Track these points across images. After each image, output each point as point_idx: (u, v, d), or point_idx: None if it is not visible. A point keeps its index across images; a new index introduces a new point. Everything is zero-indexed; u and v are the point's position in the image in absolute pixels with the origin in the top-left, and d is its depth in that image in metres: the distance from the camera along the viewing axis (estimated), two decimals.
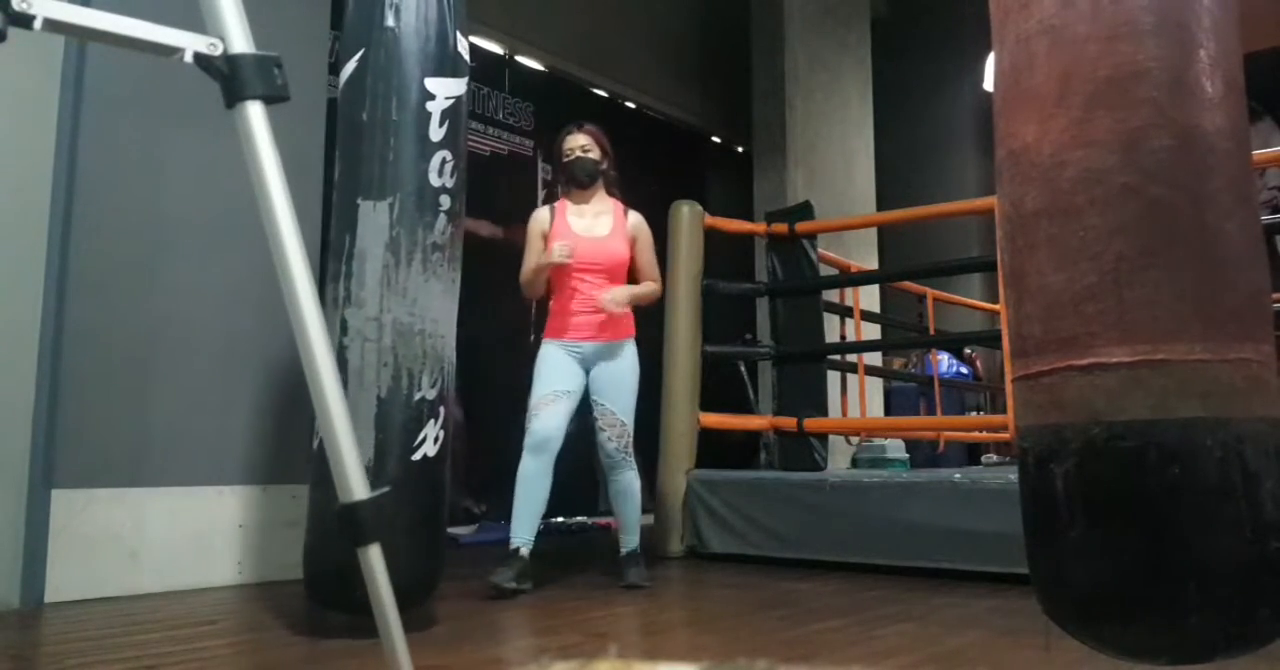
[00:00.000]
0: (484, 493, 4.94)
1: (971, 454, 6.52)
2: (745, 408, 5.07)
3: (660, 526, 4.01)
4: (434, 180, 2.31)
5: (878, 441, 4.65)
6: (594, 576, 3.31)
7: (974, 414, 6.82)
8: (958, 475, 3.45)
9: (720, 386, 4.65)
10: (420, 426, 2.22)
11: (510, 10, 5.48)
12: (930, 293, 5.79)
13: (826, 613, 2.54)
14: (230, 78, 1.09)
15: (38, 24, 0.99)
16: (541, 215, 3.15)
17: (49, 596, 2.70)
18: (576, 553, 4.18)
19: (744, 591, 3.01)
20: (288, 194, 1.12)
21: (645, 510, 5.31)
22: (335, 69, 4.07)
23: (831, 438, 4.68)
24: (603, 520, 5.58)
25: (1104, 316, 1.23)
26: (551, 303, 3.11)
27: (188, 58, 1.08)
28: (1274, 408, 1.22)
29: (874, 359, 6.02)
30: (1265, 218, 3.34)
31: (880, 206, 6.94)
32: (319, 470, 2.14)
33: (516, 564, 2.81)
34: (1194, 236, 1.22)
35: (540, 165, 5.57)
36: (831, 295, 4.89)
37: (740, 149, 7.24)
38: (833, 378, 4.67)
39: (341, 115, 2.38)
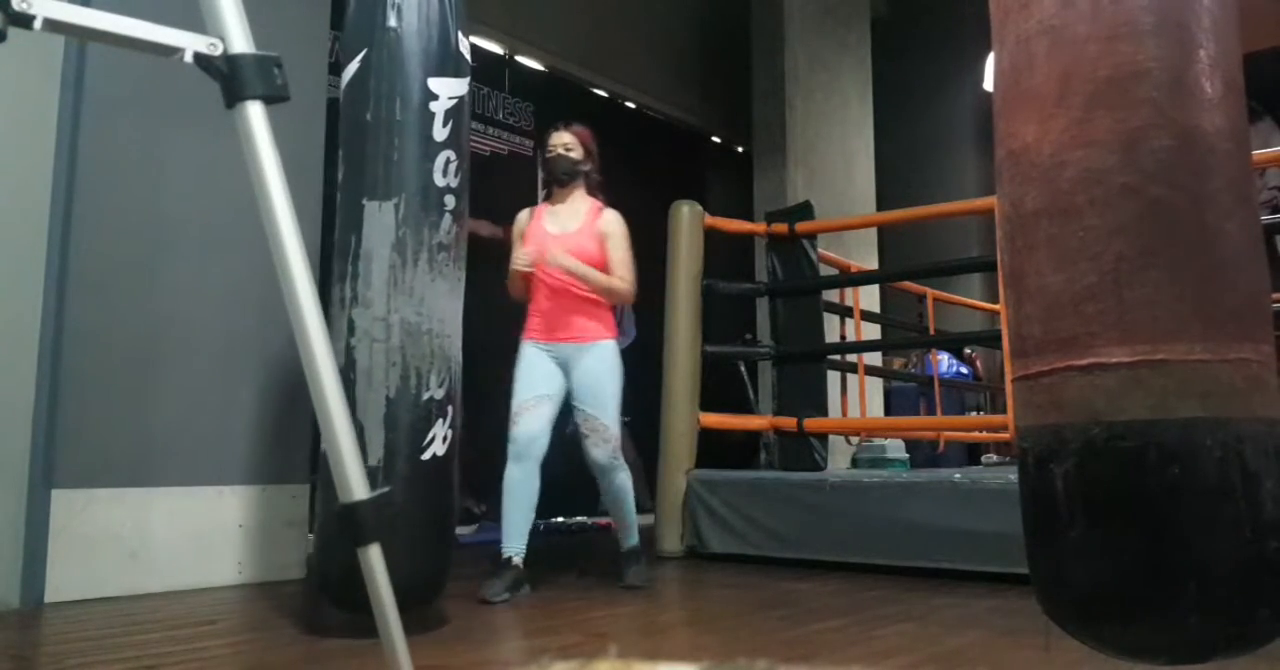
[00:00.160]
0: (484, 493, 4.94)
1: (971, 454, 6.52)
2: (745, 408, 5.08)
3: (660, 526, 4.01)
4: (439, 180, 2.31)
5: (878, 441, 4.65)
6: (594, 576, 3.31)
7: (974, 414, 6.82)
8: (958, 475, 3.45)
9: (720, 386, 4.65)
10: (429, 426, 2.22)
11: (510, 10, 5.49)
12: (930, 293, 5.79)
13: (826, 613, 2.54)
14: (230, 78, 1.09)
15: (38, 24, 0.99)
16: (522, 217, 3.14)
17: (49, 596, 2.70)
18: (576, 553, 4.18)
19: (744, 591, 3.01)
20: (288, 194, 1.12)
21: (645, 510, 5.31)
22: (335, 69, 4.08)
23: (831, 438, 4.68)
24: (603, 520, 5.58)
25: (1104, 317, 1.23)
26: (530, 303, 3.09)
27: (188, 58, 1.08)
28: (1274, 408, 1.22)
29: (874, 359, 6.03)
30: (1265, 218, 3.34)
31: (880, 206, 6.94)
32: (328, 470, 2.15)
33: (509, 574, 2.79)
34: (1194, 237, 1.22)
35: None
36: (831, 295, 4.89)
37: (740, 149, 7.24)
38: (833, 378, 4.67)
39: (344, 116, 2.37)
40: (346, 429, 1.14)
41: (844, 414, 4.84)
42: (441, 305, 2.29)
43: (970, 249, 7.07)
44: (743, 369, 5.34)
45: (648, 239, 4.61)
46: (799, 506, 3.63)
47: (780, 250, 4.46)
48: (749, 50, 6.68)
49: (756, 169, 6.59)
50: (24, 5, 0.97)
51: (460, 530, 4.51)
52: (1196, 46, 1.25)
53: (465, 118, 2.42)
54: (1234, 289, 1.22)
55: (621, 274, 3.02)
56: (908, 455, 4.54)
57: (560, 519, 5.31)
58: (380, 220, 2.24)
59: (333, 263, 2.33)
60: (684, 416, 4.11)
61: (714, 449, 4.32)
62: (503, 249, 3.19)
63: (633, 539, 3.08)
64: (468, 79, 2.44)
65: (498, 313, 3.15)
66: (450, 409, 2.29)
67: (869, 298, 5.78)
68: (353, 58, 2.35)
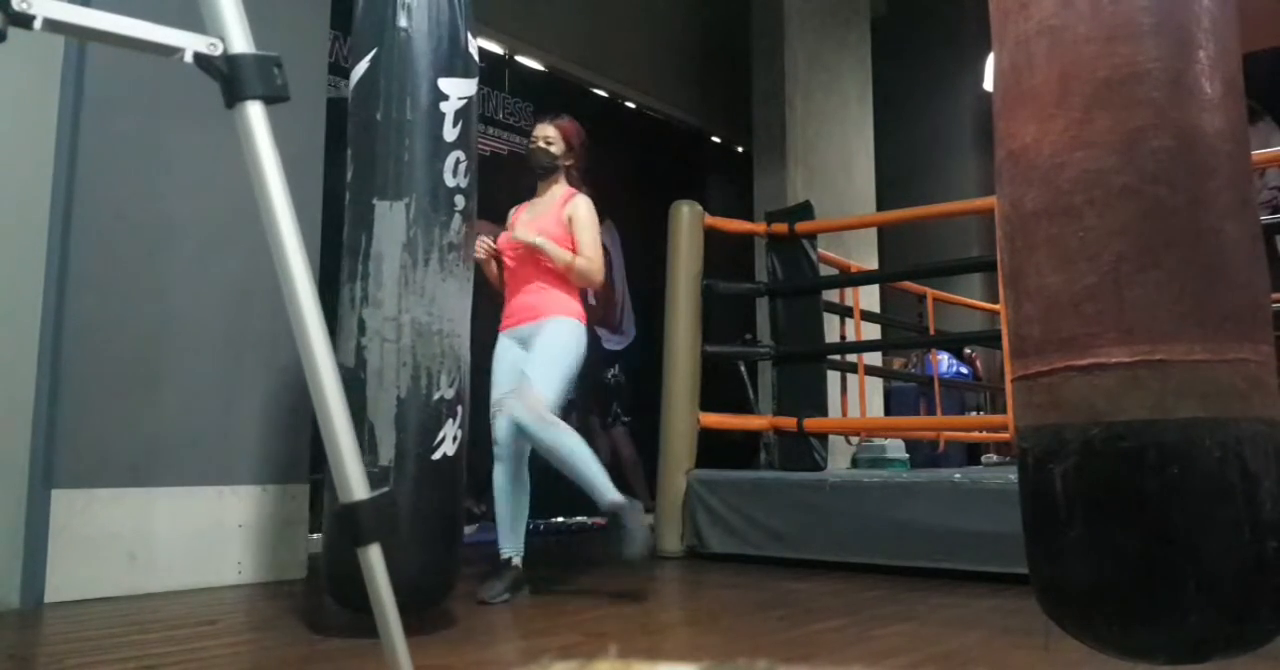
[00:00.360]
0: (484, 492, 4.95)
1: (971, 454, 6.52)
2: (745, 408, 5.07)
3: (660, 526, 4.01)
4: (449, 180, 2.31)
5: (878, 441, 4.65)
6: (593, 576, 3.31)
7: (974, 414, 6.82)
8: (958, 475, 3.45)
9: (720, 386, 4.65)
10: (439, 426, 2.23)
11: (510, 10, 5.49)
12: (930, 293, 5.79)
13: (826, 613, 2.54)
14: (230, 78, 1.09)
15: (38, 24, 0.99)
16: (510, 214, 3.15)
17: (49, 596, 2.70)
18: (576, 553, 4.18)
19: (744, 591, 3.01)
20: (288, 194, 1.12)
21: (645, 510, 5.31)
22: (337, 69, 4.09)
23: (831, 438, 4.68)
24: (603, 520, 5.59)
25: (1103, 317, 1.23)
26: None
27: (188, 58, 1.08)
28: (1273, 408, 1.22)
29: (874, 359, 6.03)
30: (1265, 218, 3.34)
31: (880, 206, 6.94)
32: None
33: (509, 574, 2.78)
34: (1193, 237, 1.22)
35: None
36: (831, 295, 4.89)
37: (740, 149, 7.24)
38: (833, 378, 4.67)
39: (353, 115, 2.37)
40: (346, 429, 1.14)
41: (844, 414, 4.84)
42: (452, 305, 2.30)
43: (970, 249, 7.07)
44: (743, 369, 5.34)
45: (648, 239, 4.62)
46: (799, 506, 3.63)
47: (780, 250, 4.46)
48: (749, 50, 6.68)
49: (756, 169, 6.59)
50: (24, 5, 0.97)
51: None
52: (1196, 47, 1.25)
53: (474, 118, 2.43)
54: (1233, 289, 1.23)
55: (587, 255, 2.94)
56: (908, 455, 4.54)
57: (560, 519, 5.31)
58: (391, 220, 2.24)
59: (341, 262, 2.32)
60: (684, 416, 4.11)
61: (714, 449, 4.32)
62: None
63: (609, 494, 2.73)
64: (476, 79, 2.44)
65: (498, 312, 3.15)
66: (460, 409, 2.30)
67: (869, 298, 5.78)
68: (362, 57, 2.34)
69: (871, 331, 5.42)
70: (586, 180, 3.14)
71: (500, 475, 2.87)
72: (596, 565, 3.58)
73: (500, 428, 2.86)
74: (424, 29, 2.31)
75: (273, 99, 1.11)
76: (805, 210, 4.55)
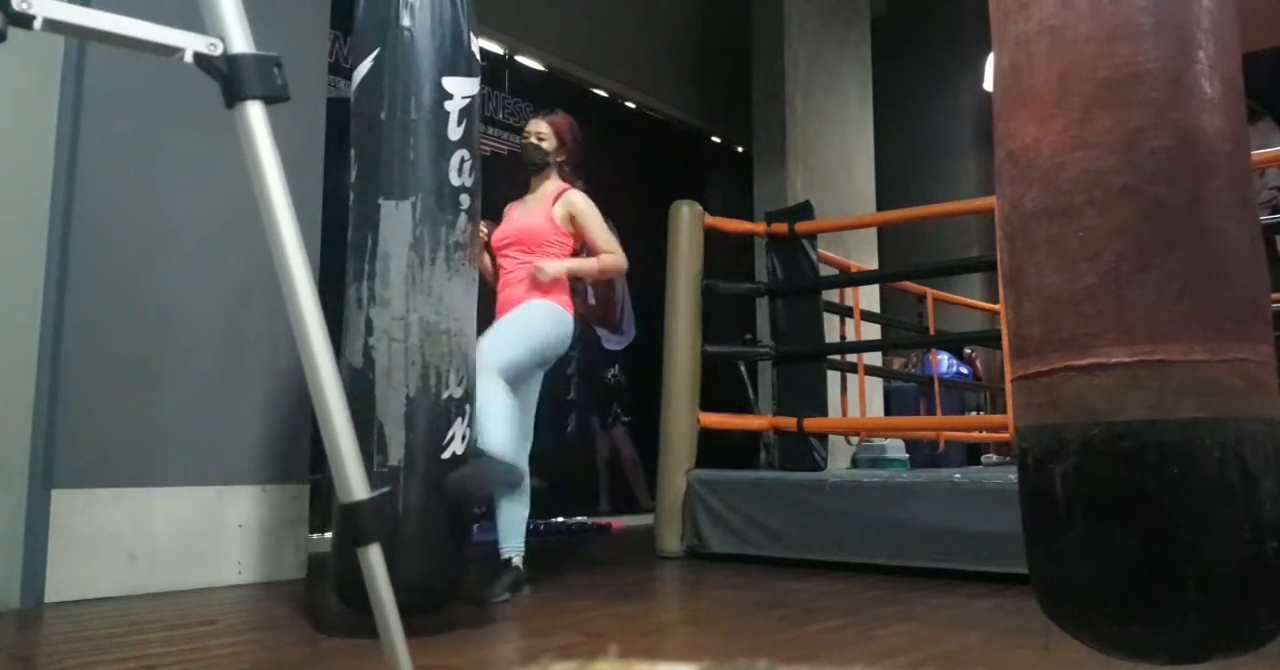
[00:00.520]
0: None
1: (971, 454, 6.52)
2: (745, 408, 5.08)
3: (660, 526, 4.01)
4: (454, 179, 2.31)
5: (878, 441, 4.66)
6: (593, 576, 3.31)
7: (974, 414, 6.82)
8: (958, 475, 3.45)
9: (720, 386, 4.65)
10: (449, 425, 2.22)
11: (510, 10, 5.49)
12: (930, 293, 5.80)
13: (826, 613, 2.54)
14: (230, 78, 1.09)
15: (38, 24, 0.99)
16: (505, 210, 3.15)
17: (49, 596, 2.70)
18: (576, 553, 4.18)
19: (744, 591, 3.01)
20: (288, 194, 1.12)
21: (645, 510, 5.31)
22: (337, 69, 4.09)
23: (831, 438, 4.68)
24: (603, 520, 5.59)
25: (1103, 317, 1.23)
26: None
27: (188, 58, 1.08)
28: (1272, 408, 1.22)
29: (874, 359, 6.03)
30: (1265, 218, 3.34)
31: (880, 206, 6.94)
32: None
33: (509, 574, 2.78)
34: (1193, 237, 1.22)
35: None
36: (831, 295, 4.89)
37: (740, 149, 7.24)
38: (833, 378, 4.67)
39: (357, 115, 2.37)
40: (346, 429, 1.14)
41: (844, 414, 4.84)
42: (459, 304, 2.30)
43: (970, 249, 7.07)
44: (743, 369, 5.35)
45: (648, 239, 4.62)
46: (799, 506, 3.63)
47: (780, 250, 4.46)
48: (749, 50, 6.68)
49: (756, 169, 6.59)
50: (24, 5, 0.97)
51: None
52: (1196, 47, 1.25)
53: (477, 117, 2.43)
54: (1233, 289, 1.23)
55: (606, 248, 2.97)
56: (908, 455, 4.54)
57: (560, 519, 5.31)
58: (397, 219, 2.24)
59: (347, 262, 2.32)
60: (684, 416, 4.11)
61: (714, 449, 4.32)
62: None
63: (491, 446, 2.54)
64: (479, 78, 2.44)
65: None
66: (469, 408, 2.30)
67: (869, 298, 5.78)
68: (365, 57, 2.34)
69: (871, 331, 5.42)
70: (583, 177, 3.14)
71: None
72: (596, 565, 3.58)
73: None
74: (427, 28, 2.31)
75: (273, 99, 1.11)
76: (805, 210, 4.55)
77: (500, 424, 2.61)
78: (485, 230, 2.97)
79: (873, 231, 6.75)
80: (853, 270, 5.07)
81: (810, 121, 6.57)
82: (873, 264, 6.55)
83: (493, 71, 5.46)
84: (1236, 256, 1.24)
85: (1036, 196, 1.30)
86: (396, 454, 2.15)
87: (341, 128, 2.49)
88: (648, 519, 4.59)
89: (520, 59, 5.74)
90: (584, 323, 5.78)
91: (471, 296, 2.37)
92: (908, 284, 5.93)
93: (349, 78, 2.46)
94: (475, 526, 4.80)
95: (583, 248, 3.05)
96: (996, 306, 5.43)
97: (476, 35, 2.46)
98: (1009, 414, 2.41)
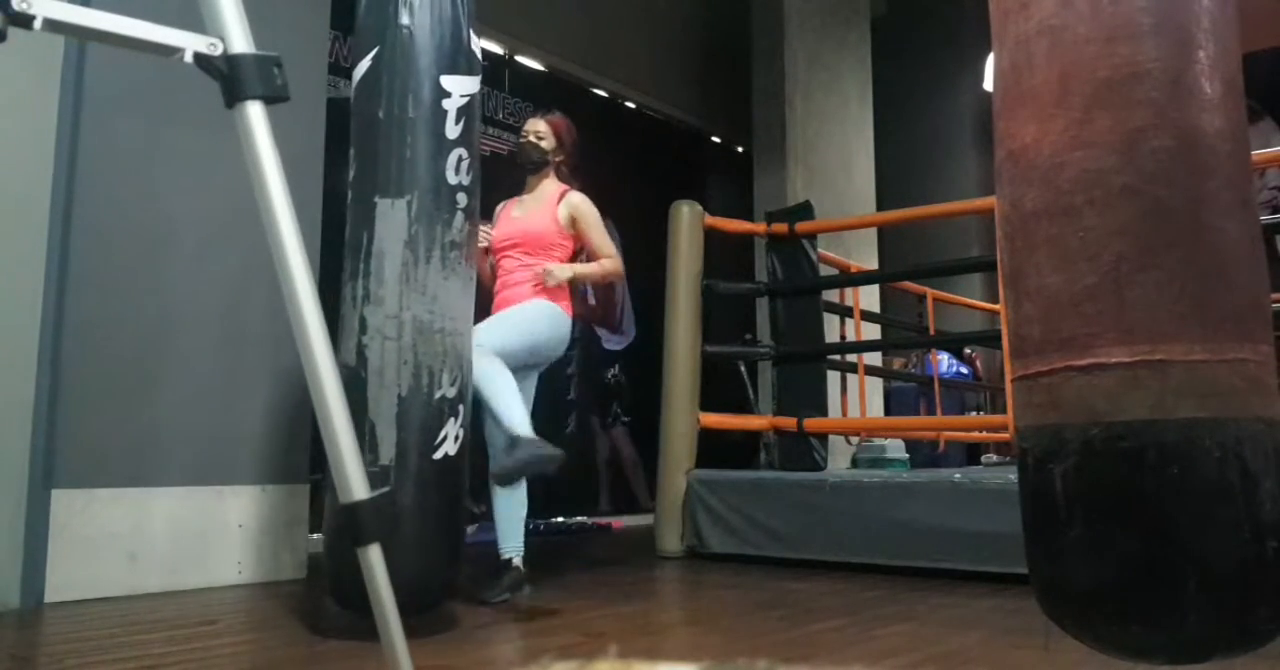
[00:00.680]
0: (484, 492, 4.95)
1: (971, 454, 6.52)
2: (745, 408, 5.08)
3: (660, 526, 4.01)
4: (451, 178, 2.31)
5: (878, 441, 4.66)
6: (593, 576, 3.31)
7: (974, 414, 6.82)
8: (958, 475, 3.45)
9: (720, 386, 4.65)
10: (441, 425, 2.22)
11: (510, 10, 5.49)
12: (930, 293, 5.80)
13: (826, 613, 2.54)
14: (230, 78, 1.09)
15: (38, 24, 0.99)
16: (498, 208, 3.14)
17: (49, 596, 2.70)
18: (576, 553, 4.18)
19: (744, 591, 3.01)
20: (288, 194, 1.12)
21: (645, 510, 5.31)
22: (337, 69, 4.09)
23: (831, 438, 4.68)
24: (603, 520, 5.59)
25: (1103, 317, 1.23)
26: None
27: (188, 58, 1.08)
28: (1272, 408, 1.22)
29: (874, 359, 6.03)
30: (1265, 218, 3.34)
31: (880, 206, 6.94)
32: None
33: (509, 574, 2.77)
34: (1193, 237, 1.22)
35: None
36: (831, 295, 4.89)
37: (740, 149, 7.24)
38: (833, 378, 4.67)
39: (356, 113, 2.36)
40: (346, 428, 1.14)
41: (844, 414, 4.84)
42: (454, 303, 2.29)
43: (970, 249, 7.07)
44: (743, 369, 5.34)
45: (648, 239, 4.62)
46: (799, 506, 3.63)
47: (780, 250, 4.46)
48: (749, 50, 6.68)
49: (756, 169, 6.59)
50: (24, 5, 0.97)
51: None
52: (1196, 47, 1.25)
53: (476, 115, 2.42)
54: (1233, 289, 1.23)
55: (606, 253, 2.98)
56: (908, 455, 4.54)
57: (560, 519, 5.31)
58: (393, 218, 2.24)
59: (343, 260, 2.32)
60: (684, 416, 4.11)
61: (714, 449, 4.33)
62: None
63: (518, 428, 2.55)
64: (479, 77, 2.44)
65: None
66: (462, 408, 2.29)
67: (869, 298, 5.78)
68: (365, 55, 2.34)
69: (871, 331, 5.42)
70: (582, 178, 3.13)
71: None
72: (596, 565, 3.58)
73: (493, 425, 2.86)
74: (426, 26, 2.31)
75: (273, 99, 1.11)
76: (805, 210, 4.55)
77: (516, 400, 2.61)
78: (488, 233, 2.96)
79: (873, 231, 6.75)
80: (853, 270, 5.07)
81: (810, 121, 6.57)
82: (873, 264, 6.55)
83: (493, 71, 5.46)
84: (1236, 256, 1.24)
85: (1036, 196, 1.30)
86: (387, 453, 2.15)
87: (342, 128, 2.49)
88: (648, 519, 4.59)
89: (520, 59, 5.74)
90: (584, 323, 5.79)
91: (468, 296, 2.37)
92: (908, 284, 5.93)
93: (349, 78, 2.46)
94: (477, 527, 4.82)
95: (582, 250, 3.05)
96: (996, 306, 5.43)
97: (477, 34, 2.46)
98: (1009, 414, 2.41)
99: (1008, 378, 3.13)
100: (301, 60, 3.36)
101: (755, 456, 5.30)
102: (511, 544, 2.84)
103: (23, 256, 2.80)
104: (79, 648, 2.13)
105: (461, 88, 2.35)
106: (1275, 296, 1.44)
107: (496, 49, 5.54)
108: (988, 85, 4.67)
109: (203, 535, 3.05)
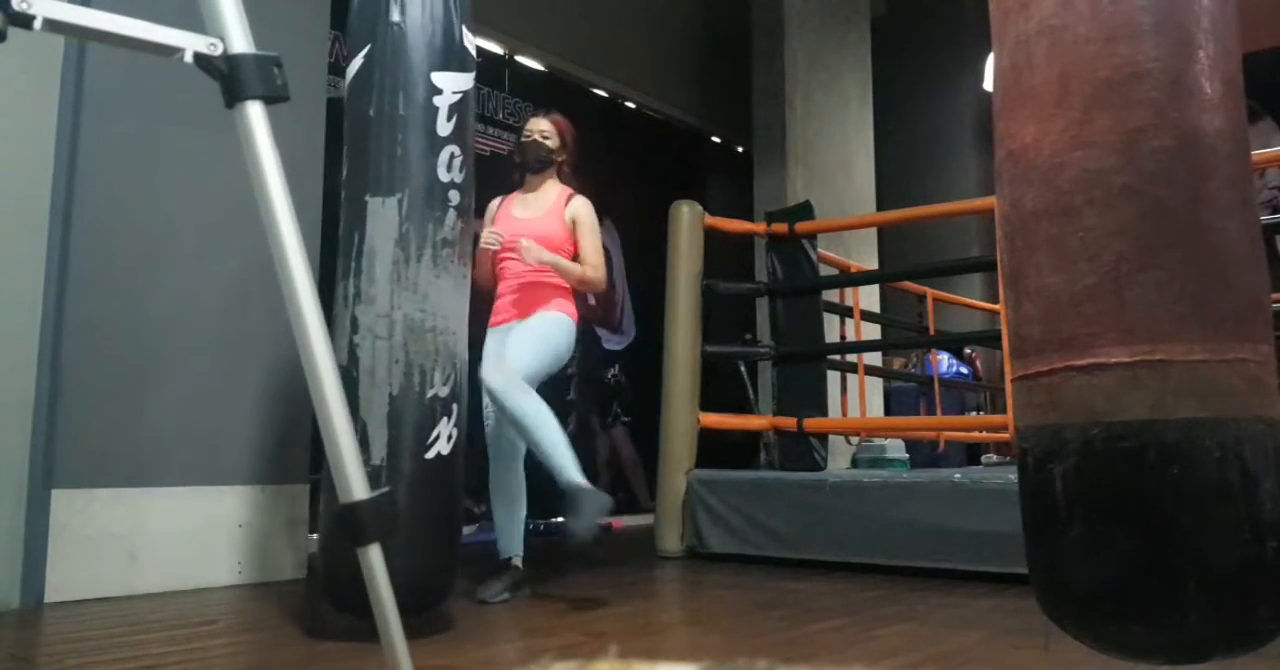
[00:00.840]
0: (483, 492, 4.94)
1: (971, 454, 6.52)
2: (745, 408, 5.07)
3: (660, 526, 4.01)
4: (443, 175, 2.30)
5: (878, 441, 4.65)
6: (593, 576, 3.31)
7: (974, 414, 6.82)
8: (958, 475, 3.45)
9: (720, 386, 4.65)
10: (433, 424, 2.21)
11: (510, 10, 5.49)
12: (930, 293, 5.80)
13: (826, 613, 2.54)
14: (230, 78, 1.09)
15: (38, 24, 0.99)
16: (491, 206, 3.11)
17: (49, 596, 2.70)
18: (576, 553, 4.18)
19: (744, 591, 3.01)
20: (288, 194, 1.12)
21: (645, 510, 5.30)
22: (337, 69, 4.09)
23: (831, 438, 4.68)
24: (603, 520, 5.58)
25: (1103, 317, 1.23)
26: (496, 291, 3.03)
27: (188, 58, 1.08)
28: (1272, 408, 1.22)
29: (874, 359, 6.03)
30: (1265, 218, 3.34)
31: (880, 206, 6.95)
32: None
33: (509, 574, 2.78)
34: (1193, 237, 1.22)
35: None
36: (831, 295, 4.89)
37: (740, 149, 7.24)
38: (833, 378, 4.67)
39: (348, 111, 2.36)
40: (346, 429, 1.14)
41: (844, 414, 4.84)
42: (446, 302, 2.28)
43: (970, 249, 7.07)
44: (743, 369, 5.34)
45: (648, 239, 4.62)
46: (799, 506, 3.63)
47: (780, 250, 4.46)
48: (749, 50, 6.68)
49: (756, 169, 6.59)
50: (24, 5, 0.97)
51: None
52: (1196, 47, 1.25)
53: (470, 113, 2.41)
54: (1233, 289, 1.23)
55: (593, 263, 2.95)
56: (908, 455, 4.54)
57: (560, 519, 5.30)
58: (384, 216, 2.23)
59: (336, 260, 2.32)
60: (684, 416, 4.11)
61: (714, 449, 4.32)
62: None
63: (569, 472, 2.59)
64: (472, 74, 2.42)
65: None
66: (455, 407, 2.28)
67: (869, 298, 5.78)
68: (357, 53, 2.33)
69: (871, 331, 5.42)
70: (582, 178, 3.13)
71: (495, 473, 2.87)
72: (597, 565, 3.58)
73: (493, 426, 2.86)
74: (418, 23, 2.30)
75: (273, 99, 1.11)
76: (805, 210, 4.55)
77: (565, 442, 2.62)
78: (499, 236, 2.92)
79: (873, 231, 6.76)
80: (853, 270, 5.07)
81: (810, 121, 6.57)
82: (873, 264, 6.55)
83: (493, 71, 5.46)
84: (1236, 256, 1.24)
85: (1036, 196, 1.31)
86: (379, 453, 2.14)
87: (341, 128, 2.49)
88: (648, 519, 4.59)
89: (520, 59, 5.74)
90: (584, 323, 5.78)
91: (461, 294, 2.35)
92: (908, 284, 5.93)
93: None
94: (476, 527, 4.82)
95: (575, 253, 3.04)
96: (996, 306, 5.43)
97: (471, 30, 2.45)
98: (1009, 414, 2.41)
99: (1008, 378, 3.13)
100: (301, 60, 3.36)
101: (755, 456, 5.30)
102: (510, 545, 2.85)
103: (23, 256, 2.80)
104: (79, 648, 2.13)
105: (454, 84, 2.34)
106: (1275, 296, 1.44)
107: (496, 49, 5.54)
108: (988, 85, 4.67)
109: (202, 535, 3.05)
